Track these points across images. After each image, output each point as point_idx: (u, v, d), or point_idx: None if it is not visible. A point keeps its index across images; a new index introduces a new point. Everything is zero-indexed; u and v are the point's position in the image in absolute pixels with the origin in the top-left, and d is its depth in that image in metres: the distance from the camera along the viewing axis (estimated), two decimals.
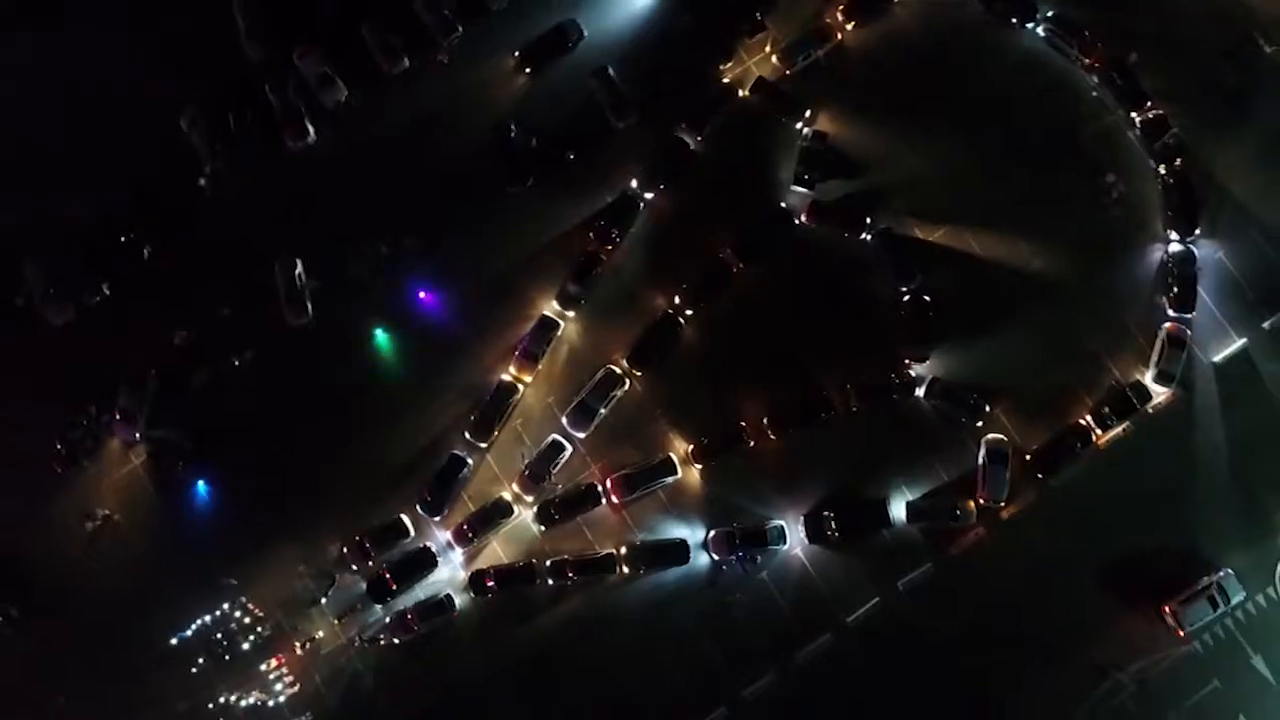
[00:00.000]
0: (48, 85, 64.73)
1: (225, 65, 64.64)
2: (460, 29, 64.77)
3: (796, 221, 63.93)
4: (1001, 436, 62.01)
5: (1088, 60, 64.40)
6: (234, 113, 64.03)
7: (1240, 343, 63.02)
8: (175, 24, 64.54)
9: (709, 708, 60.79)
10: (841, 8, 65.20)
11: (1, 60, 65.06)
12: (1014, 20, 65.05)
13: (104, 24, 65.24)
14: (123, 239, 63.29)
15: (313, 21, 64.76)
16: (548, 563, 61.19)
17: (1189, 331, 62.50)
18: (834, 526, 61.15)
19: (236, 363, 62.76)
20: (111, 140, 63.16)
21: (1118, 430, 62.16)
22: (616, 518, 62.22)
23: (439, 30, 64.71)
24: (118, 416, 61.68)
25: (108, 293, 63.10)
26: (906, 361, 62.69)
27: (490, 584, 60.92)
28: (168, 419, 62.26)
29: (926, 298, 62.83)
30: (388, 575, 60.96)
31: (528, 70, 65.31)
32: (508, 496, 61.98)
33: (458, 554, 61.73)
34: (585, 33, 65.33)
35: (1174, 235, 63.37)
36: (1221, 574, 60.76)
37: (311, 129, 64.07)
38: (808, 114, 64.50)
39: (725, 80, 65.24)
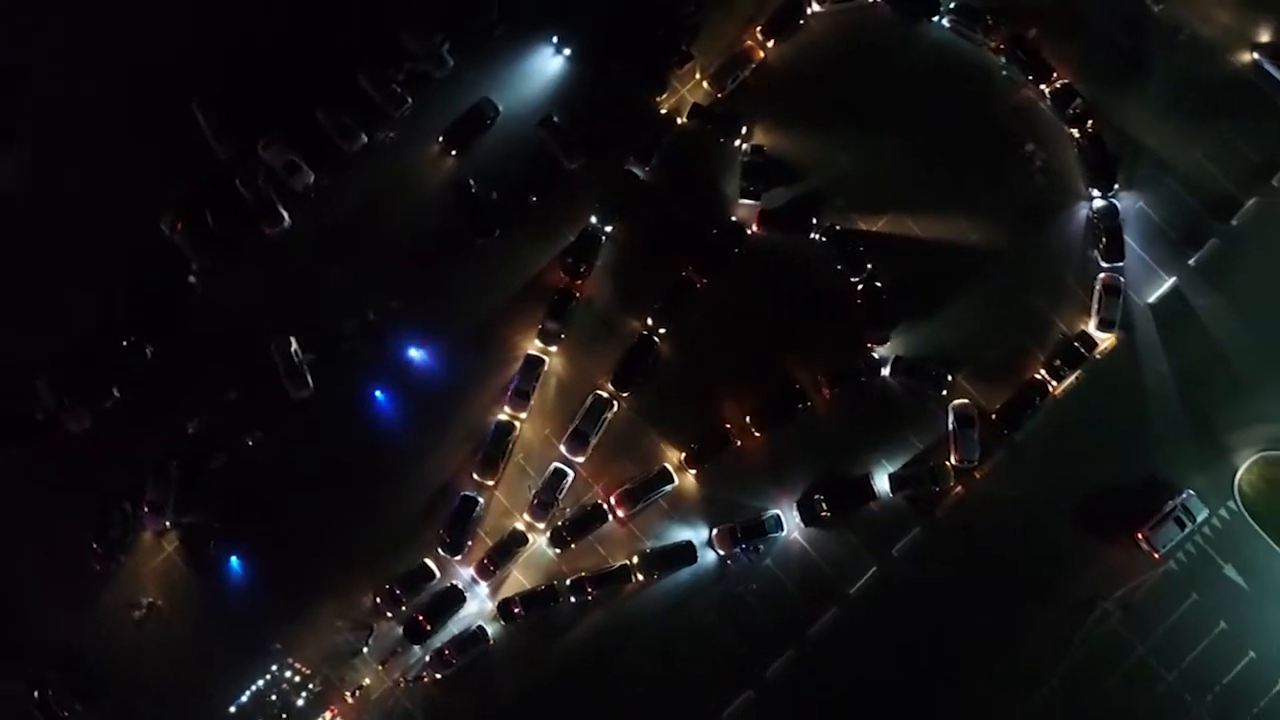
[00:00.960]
0: (29, 207, 68.43)
1: (195, 167, 68.37)
2: (410, 100, 68.68)
3: (748, 232, 68.15)
4: (966, 401, 66.42)
5: (993, 43, 68.87)
6: (211, 210, 67.79)
7: (1171, 281, 67.49)
8: (143, 135, 68.30)
9: (736, 692, 65.04)
10: (760, 28, 69.43)
11: None
12: (920, 16, 69.42)
13: (71, 143, 68.74)
14: (125, 343, 67.02)
15: (272, 113, 68.42)
16: (567, 582, 65.29)
17: (1122, 279, 66.90)
18: (825, 507, 65.40)
19: (250, 442, 66.65)
20: (100, 252, 67.16)
21: (1071, 379, 66.58)
22: (625, 531, 66.35)
23: (389, 104, 68.63)
24: (146, 509, 65.48)
25: (119, 395, 66.85)
26: (869, 345, 66.99)
27: (517, 610, 65.01)
28: (193, 504, 66.12)
29: (878, 284, 67.11)
30: (421, 617, 64.96)
31: (453, 152, 68.87)
32: (521, 527, 66.10)
33: (483, 587, 65.82)
34: (501, 108, 68.89)
35: (1096, 192, 67.78)
36: (1184, 496, 65.20)
37: (285, 214, 67.94)
38: (744, 131, 68.74)
39: (663, 111, 69.42)
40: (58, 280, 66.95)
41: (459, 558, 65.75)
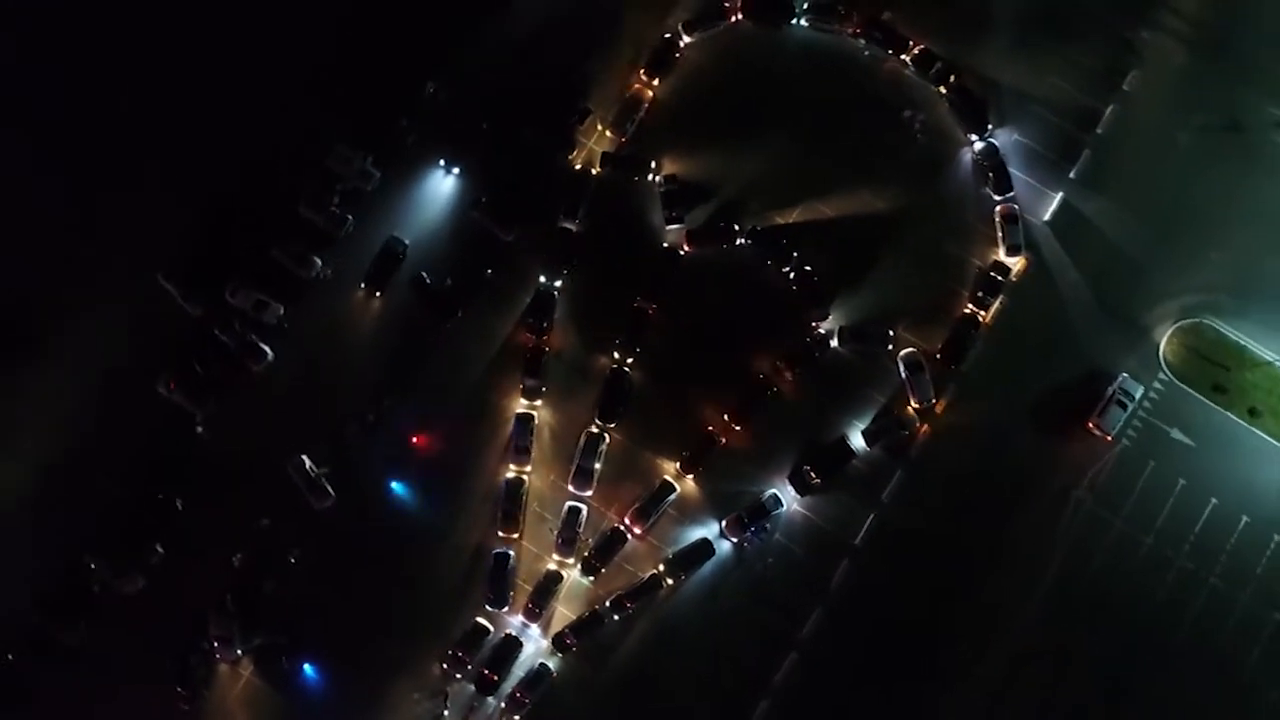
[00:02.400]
0: (39, 403, 73.82)
1: (173, 328, 73.97)
2: (350, 218, 74.51)
3: (681, 253, 74.54)
4: (912, 349, 72.99)
5: (850, 30, 75.73)
6: (198, 362, 73.25)
7: (1059, 197, 74.59)
8: (121, 317, 73.98)
9: (781, 658, 70.90)
10: (643, 70, 75.88)
11: None
12: (779, 23, 76.17)
13: (61, 338, 74.28)
14: (155, 502, 72.17)
15: (230, 262, 74.08)
16: (607, 604, 71.03)
17: (1017, 206, 73.94)
18: (814, 475, 71.62)
19: (292, 559, 71.98)
20: (112, 428, 72.79)
21: (996, 305, 73.38)
22: (645, 545, 72.24)
23: (332, 226, 74.37)
24: (215, 644, 70.66)
25: (162, 550, 72.01)
26: (813, 324, 73.55)
27: (570, 641, 70.80)
28: (257, 628, 71.25)
29: (808, 268, 73.74)
30: (487, 670, 70.51)
31: (377, 294, 74.23)
32: (553, 566, 71.92)
33: (534, 629, 71.56)
34: (408, 242, 74.57)
35: (974, 136, 74.81)
36: (1120, 379, 71.74)
37: (266, 348, 73.46)
38: (654, 165, 75.14)
39: (577, 167, 75.62)
40: (83, 464, 72.24)
41: (506, 609, 71.25)
